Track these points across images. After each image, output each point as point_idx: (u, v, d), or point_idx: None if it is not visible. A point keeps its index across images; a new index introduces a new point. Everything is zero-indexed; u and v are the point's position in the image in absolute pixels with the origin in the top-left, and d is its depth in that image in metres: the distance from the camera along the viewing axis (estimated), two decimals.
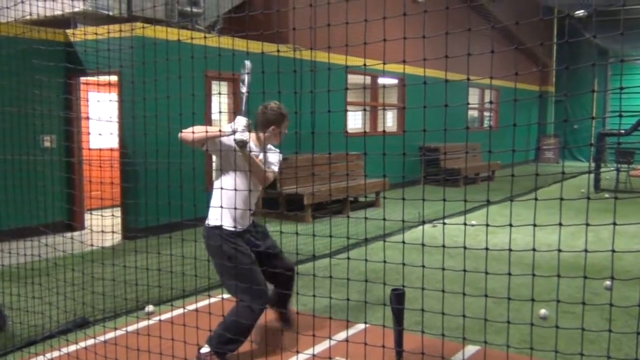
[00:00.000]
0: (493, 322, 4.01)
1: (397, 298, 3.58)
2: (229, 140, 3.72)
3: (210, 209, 3.89)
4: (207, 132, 3.71)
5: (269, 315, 4.24)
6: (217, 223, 3.83)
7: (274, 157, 4.09)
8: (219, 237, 3.80)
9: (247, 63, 3.91)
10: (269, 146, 4.09)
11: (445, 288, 2.93)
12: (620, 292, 5.47)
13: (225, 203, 3.77)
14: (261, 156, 3.95)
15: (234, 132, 3.63)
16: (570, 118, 20.77)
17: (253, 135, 4.00)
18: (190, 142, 3.70)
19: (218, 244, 3.80)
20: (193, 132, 3.66)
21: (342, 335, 3.98)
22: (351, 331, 4.24)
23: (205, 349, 3.80)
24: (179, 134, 3.74)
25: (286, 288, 4.21)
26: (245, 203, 3.87)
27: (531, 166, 19.24)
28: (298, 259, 5.56)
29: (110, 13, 8.37)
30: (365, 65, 2.81)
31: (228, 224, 3.80)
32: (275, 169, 4.05)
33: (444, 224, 2.80)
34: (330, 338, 3.36)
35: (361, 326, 4.30)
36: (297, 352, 3.72)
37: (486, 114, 19.57)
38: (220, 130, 3.74)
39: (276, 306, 4.42)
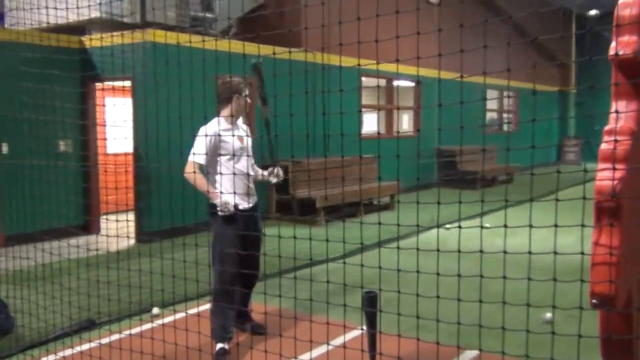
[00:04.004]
0: (491, 327, 3.96)
1: (370, 301, 3.47)
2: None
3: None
4: (207, 190, 4.09)
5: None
6: None
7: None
8: None
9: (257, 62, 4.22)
10: (241, 124, 4.46)
11: (450, 292, 2.91)
12: None
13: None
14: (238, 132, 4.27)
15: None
16: (593, 119, 20.49)
17: (224, 114, 4.31)
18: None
19: None
20: (195, 182, 4.08)
21: (339, 341, 3.96)
22: (347, 336, 4.21)
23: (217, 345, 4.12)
24: (185, 176, 4.09)
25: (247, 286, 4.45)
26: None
27: (552, 168, 19.03)
28: (299, 262, 5.55)
29: (124, 20, 8.48)
30: (377, 63, 2.79)
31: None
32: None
33: (460, 227, 2.75)
34: (328, 343, 3.35)
35: (356, 332, 4.26)
36: (280, 355, 3.71)
37: (506, 116, 19.38)
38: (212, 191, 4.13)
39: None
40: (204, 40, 3.90)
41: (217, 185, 4.16)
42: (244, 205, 4.22)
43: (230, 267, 4.09)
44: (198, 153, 4.07)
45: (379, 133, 10.65)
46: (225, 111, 4.29)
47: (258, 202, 4.45)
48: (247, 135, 4.41)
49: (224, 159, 4.13)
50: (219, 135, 4.09)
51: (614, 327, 2.59)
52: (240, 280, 4.24)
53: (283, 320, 4.22)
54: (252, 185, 4.36)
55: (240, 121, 4.47)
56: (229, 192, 4.04)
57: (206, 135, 4.05)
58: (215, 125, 4.16)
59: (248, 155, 4.32)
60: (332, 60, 10.62)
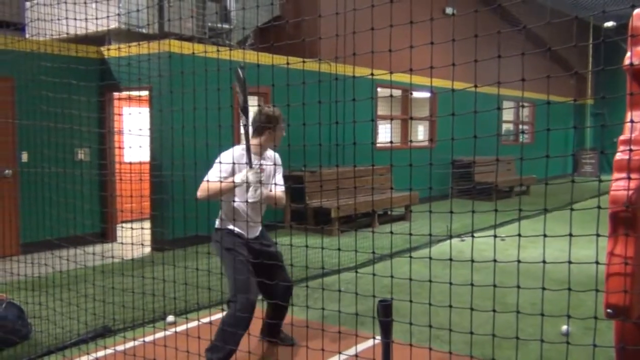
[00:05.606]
0: (507, 337, 3.94)
1: (385, 309, 3.39)
2: (239, 178, 3.86)
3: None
4: (220, 188, 3.82)
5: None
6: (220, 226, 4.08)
7: (279, 169, 4.19)
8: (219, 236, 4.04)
9: (240, 71, 4.00)
10: (269, 152, 4.18)
11: (465, 302, 2.91)
12: None
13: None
14: (264, 167, 4.05)
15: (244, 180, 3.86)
16: (609, 131, 20.30)
17: (253, 142, 4.07)
18: (208, 198, 3.86)
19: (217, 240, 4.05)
20: (208, 189, 3.83)
21: (352, 351, 3.95)
22: (360, 347, 4.19)
23: None
24: (198, 194, 3.87)
25: (283, 301, 4.23)
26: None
27: (569, 179, 18.86)
28: (324, 271, 5.56)
29: (143, 31, 8.59)
30: (391, 72, 2.81)
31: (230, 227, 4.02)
32: (282, 187, 4.16)
33: (473, 237, 2.76)
34: (340, 352, 3.35)
35: (370, 342, 4.24)
36: None
37: (522, 127, 19.25)
38: (233, 180, 3.85)
39: (269, 321, 4.38)
40: (230, 49, 3.94)
41: (220, 211, 4.08)
42: (243, 235, 4.05)
43: (247, 294, 3.83)
44: (214, 177, 3.89)
45: (391, 142, 10.65)
46: (253, 140, 4.09)
47: (263, 233, 4.23)
48: (273, 164, 4.16)
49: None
50: (239, 163, 3.91)
51: (629, 338, 2.57)
52: (272, 295, 4.15)
53: (308, 330, 4.23)
54: (257, 219, 4.10)
55: (268, 152, 4.21)
56: (229, 218, 3.97)
57: (233, 163, 3.88)
58: (239, 151, 3.98)
59: (256, 187, 3.98)
60: (349, 71, 10.69)
